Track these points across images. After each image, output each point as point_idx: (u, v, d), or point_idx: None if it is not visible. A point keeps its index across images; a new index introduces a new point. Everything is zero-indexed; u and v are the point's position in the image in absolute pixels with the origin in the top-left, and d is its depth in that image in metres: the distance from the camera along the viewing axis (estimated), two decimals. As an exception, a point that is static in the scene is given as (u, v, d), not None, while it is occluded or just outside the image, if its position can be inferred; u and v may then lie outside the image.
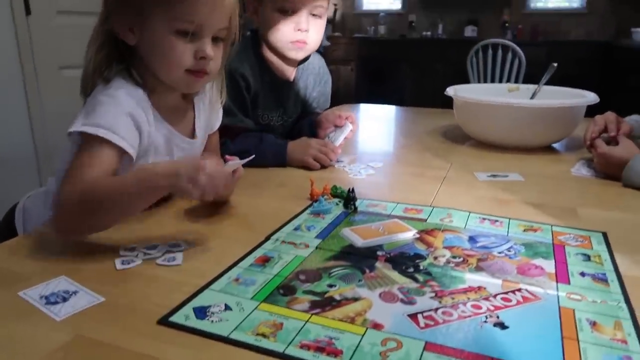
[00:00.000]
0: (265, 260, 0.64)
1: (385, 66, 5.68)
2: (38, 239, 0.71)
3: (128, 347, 0.47)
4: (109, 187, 0.65)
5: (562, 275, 0.61)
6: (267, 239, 0.71)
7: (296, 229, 0.74)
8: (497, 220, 0.78)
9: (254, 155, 0.77)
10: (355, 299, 0.55)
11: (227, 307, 0.53)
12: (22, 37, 2.06)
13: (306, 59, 1.19)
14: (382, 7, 6.11)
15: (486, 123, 1.24)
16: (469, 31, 5.63)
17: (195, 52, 0.73)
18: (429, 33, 5.77)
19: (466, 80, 4.09)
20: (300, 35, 1.07)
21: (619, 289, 0.58)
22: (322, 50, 4.45)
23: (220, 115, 0.92)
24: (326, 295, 0.56)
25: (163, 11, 0.71)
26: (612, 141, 1.04)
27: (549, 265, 0.63)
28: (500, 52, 4.13)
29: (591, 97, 1.22)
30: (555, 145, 1.28)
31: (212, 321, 0.51)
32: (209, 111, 0.88)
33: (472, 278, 0.60)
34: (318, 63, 1.26)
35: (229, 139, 1.06)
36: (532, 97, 1.39)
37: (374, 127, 1.66)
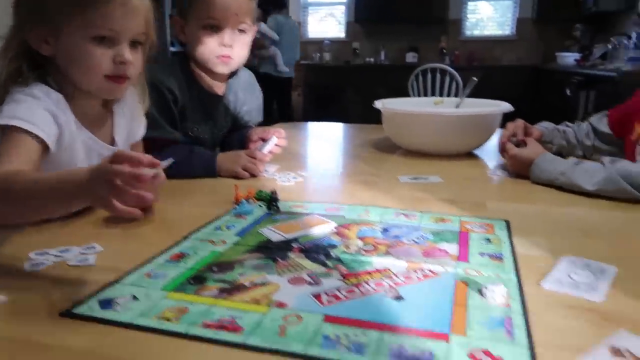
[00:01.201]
0: (180, 257, 0.65)
1: (331, 91, 5.83)
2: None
3: (27, 339, 0.47)
4: (25, 180, 0.61)
5: (463, 256, 0.65)
6: (185, 238, 0.71)
7: (216, 228, 0.76)
8: (411, 215, 0.82)
9: (174, 160, 0.78)
10: (264, 284, 0.57)
11: (134, 298, 0.54)
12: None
13: (235, 73, 1.22)
14: (327, 35, 6.30)
15: (412, 132, 1.30)
16: (410, 57, 5.89)
17: (113, 57, 0.74)
18: (372, 59, 5.99)
19: (408, 103, 4.26)
20: (225, 51, 1.11)
21: (512, 264, 0.63)
22: (287, 76, 4.54)
23: (143, 124, 0.93)
24: (236, 283, 0.57)
25: (77, 20, 0.72)
26: (522, 144, 1.12)
27: (453, 249, 0.67)
28: (438, 75, 4.34)
29: (505, 106, 1.31)
30: (476, 151, 1.36)
31: (117, 310, 0.51)
32: (130, 119, 0.89)
33: (379, 261, 0.63)
34: (247, 78, 1.30)
35: (157, 152, 1.06)
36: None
37: (311, 142, 1.70)
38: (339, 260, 0.63)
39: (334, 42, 6.21)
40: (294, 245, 0.69)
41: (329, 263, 0.63)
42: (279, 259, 0.64)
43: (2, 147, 0.67)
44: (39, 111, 0.71)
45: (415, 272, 0.60)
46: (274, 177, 1.09)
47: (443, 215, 0.81)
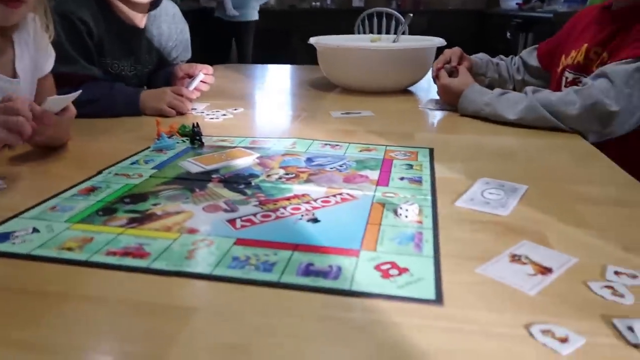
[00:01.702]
0: (90, 190, 0.61)
1: (277, 36, 5.66)
2: None
3: None
4: None
5: (383, 180, 0.65)
6: (99, 173, 0.68)
7: (133, 163, 0.72)
8: (337, 145, 0.81)
9: (79, 91, 0.72)
10: (178, 213, 0.55)
11: (34, 230, 0.50)
12: None
13: (156, 4, 1.14)
14: (270, -23, 6.02)
15: (346, 69, 1.28)
16: (357, 1, 5.77)
17: None
18: (318, 3, 5.83)
19: (353, 47, 4.20)
20: None
21: (429, 186, 0.63)
22: (239, 20, 4.31)
23: (51, 56, 0.85)
24: (147, 212, 0.55)
25: None
26: (455, 72, 1.12)
27: (374, 174, 0.68)
28: (384, 20, 4.29)
29: (438, 41, 1.31)
30: (411, 88, 1.36)
31: (14, 243, 0.48)
32: (35, 51, 0.81)
33: (299, 188, 0.62)
34: (172, 10, 1.22)
35: (73, 88, 0.99)
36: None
37: (248, 83, 1.65)
38: (258, 188, 0.62)
39: (278, -16, 5.97)
40: (214, 176, 0.67)
41: (247, 191, 0.61)
42: (196, 189, 0.62)
43: None
44: None
45: (334, 197, 0.60)
46: (202, 115, 1.05)
47: (369, 145, 0.81)
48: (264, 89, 1.51)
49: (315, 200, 0.58)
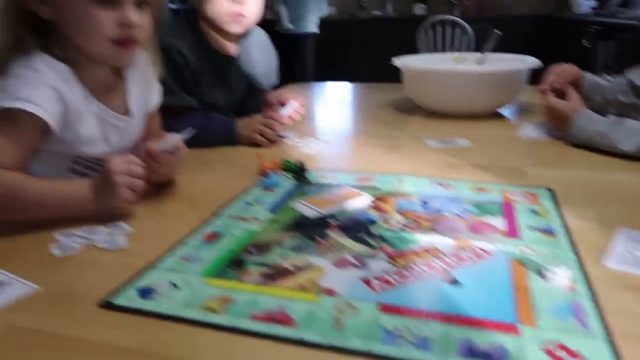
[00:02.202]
0: (214, 237, 0.61)
1: (336, 47, 5.67)
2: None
3: (67, 334, 0.44)
4: (28, 194, 0.62)
5: (511, 231, 0.61)
6: (216, 215, 0.68)
7: (247, 204, 0.72)
8: (448, 184, 0.78)
9: (195, 130, 0.73)
10: (308, 268, 0.54)
11: (173, 285, 0.51)
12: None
13: (247, 32, 1.15)
14: (330, -13, 6.05)
15: (434, 92, 1.24)
16: (418, 9, 5.68)
17: (119, 20, 0.68)
18: (378, 12, 5.79)
19: (417, 57, 4.14)
20: (237, 8, 1.03)
21: (566, 240, 0.59)
22: (294, 32, 4.36)
23: (158, 91, 0.88)
24: (277, 266, 0.54)
25: None
26: (563, 92, 1.06)
27: (499, 222, 0.64)
28: (449, 28, 4.20)
29: (532, 61, 1.25)
30: (502, 111, 1.30)
31: (158, 300, 0.48)
32: (144, 87, 0.83)
33: (425, 239, 0.60)
34: (261, 37, 1.23)
35: (172, 119, 1.01)
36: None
37: (324, 104, 1.64)
38: (382, 238, 0.60)
39: (339, -7, 5.98)
40: (331, 221, 0.65)
41: (372, 242, 0.59)
42: (318, 238, 0.60)
43: (1, 133, 0.63)
44: (42, 89, 0.66)
45: (465, 251, 0.56)
46: (295, 144, 1.05)
47: (481, 184, 0.77)
48: (345, 111, 1.50)
49: (446, 255, 0.56)
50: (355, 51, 5.60)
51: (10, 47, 0.67)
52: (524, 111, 1.31)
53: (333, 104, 1.64)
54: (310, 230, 0.63)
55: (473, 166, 0.88)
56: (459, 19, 4.17)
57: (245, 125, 1.04)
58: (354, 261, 0.55)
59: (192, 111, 1.05)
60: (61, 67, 0.69)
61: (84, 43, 0.69)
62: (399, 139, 1.07)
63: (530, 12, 5.52)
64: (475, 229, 0.62)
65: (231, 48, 1.14)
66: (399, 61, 1.31)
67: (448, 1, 5.67)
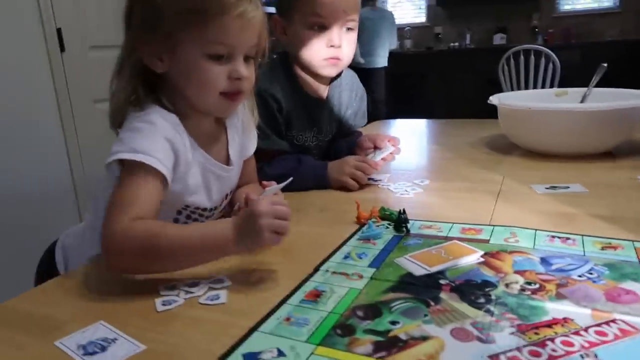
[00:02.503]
0: (316, 295, 0.58)
1: (413, 80, 5.62)
2: (75, 279, 0.68)
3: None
4: (169, 237, 0.60)
5: (660, 301, 0.53)
6: (316, 270, 0.65)
7: (346, 257, 0.68)
8: (568, 238, 0.70)
9: (292, 178, 0.72)
10: (424, 338, 0.48)
11: (280, 353, 0.47)
12: (57, 73, 2.10)
13: (339, 75, 1.14)
14: (406, 20, 6.08)
15: (537, 131, 1.16)
16: (498, 39, 5.53)
17: (229, 73, 0.70)
18: (456, 44, 5.70)
19: (498, 89, 3.99)
20: (333, 52, 1.03)
21: None
22: (366, 67, 4.39)
23: (255, 138, 0.88)
24: (390, 335, 0.49)
25: (193, 37, 0.67)
26: None
27: (642, 289, 0.55)
28: (532, 57, 4.03)
29: (650, 97, 1.13)
30: (613, 150, 1.19)
31: (265, 370, 0.45)
32: (243, 135, 0.84)
33: (555, 308, 0.52)
34: (351, 79, 1.22)
35: (265, 163, 1.01)
36: (582, 101, 1.30)
37: (411, 141, 1.59)
38: (504, 304, 0.54)
39: (415, 27, 5.99)
40: (442, 281, 0.59)
41: (493, 309, 0.53)
42: (430, 302, 0.55)
43: (127, 187, 0.64)
44: (159, 142, 0.67)
45: (607, 326, 0.49)
46: (389, 188, 1.00)
47: (610, 240, 0.69)
48: (436, 150, 1.44)
49: (586, 331, 0.48)
50: (432, 84, 5.52)
51: (126, 99, 0.70)
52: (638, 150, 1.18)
53: (420, 142, 1.59)
54: (420, 291, 0.57)
55: (593, 216, 0.79)
56: (543, 47, 3.99)
57: (337, 168, 1.02)
58: (477, 333, 0.49)
59: (283, 154, 1.05)
60: (172, 117, 0.71)
61: (194, 95, 0.71)
62: (501, 183, 0.99)
63: (621, 37, 5.17)
64: (614, 297, 0.54)
65: (323, 90, 1.14)
66: (496, 99, 1.24)
67: (530, 29, 5.47)
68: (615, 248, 0.66)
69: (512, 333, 0.48)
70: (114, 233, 0.60)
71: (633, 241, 0.68)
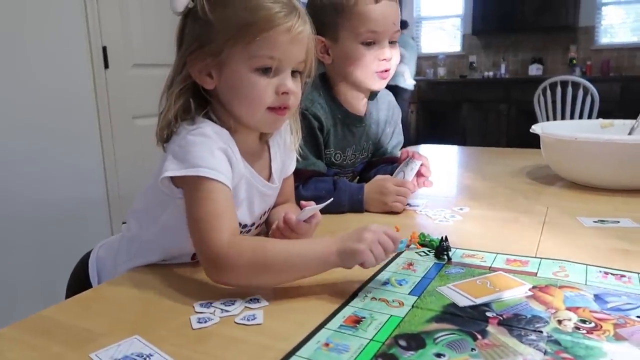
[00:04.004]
0: (356, 321, 0.56)
1: (445, 108, 5.59)
2: (110, 292, 0.67)
3: None
4: (279, 251, 0.63)
5: None
6: (355, 295, 0.63)
7: (385, 283, 0.66)
8: (623, 275, 0.66)
9: (332, 199, 0.71)
10: (473, 374, 0.46)
11: (319, 380, 0.45)
12: (100, 89, 2.16)
13: (376, 93, 1.14)
14: (441, 49, 6.09)
15: (584, 162, 1.11)
16: (534, 69, 5.47)
17: (276, 87, 0.70)
18: (490, 73, 5.66)
19: (534, 120, 3.94)
20: (385, 65, 1.02)
21: None
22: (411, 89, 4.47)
23: (295, 158, 0.87)
24: (436, 368, 0.47)
25: (242, 51, 0.68)
26: None
27: None
28: (569, 89, 3.96)
29: None
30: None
31: (305, 398, 0.43)
32: (284, 151, 0.83)
33: (615, 350, 0.49)
34: (387, 97, 1.21)
35: (300, 184, 1.00)
36: (630, 133, 1.25)
37: (446, 168, 1.56)
38: (557, 343, 0.50)
39: (449, 56, 5.98)
40: (489, 314, 0.56)
41: (545, 347, 0.50)
42: (477, 335, 0.52)
43: (205, 203, 0.64)
44: (217, 154, 0.67)
45: (675, 373, 0.45)
46: (427, 214, 0.98)
47: (669, 279, 0.64)
48: (475, 178, 1.40)
49: (651, 376, 0.44)
50: (465, 112, 5.47)
51: (175, 115, 0.70)
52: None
53: (457, 170, 1.56)
54: (466, 323, 0.55)
55: (647, 253, 0.74)
56: (581, 79, 3.91)
57: (375, 190, 1.00)
58: (530, 372, 0.46)
59: (318, 175, 1.04)
60: (224, 132, 0.72)
61: (242, 110, 0.71)
62: (546, 214, 0.96)
63: (664, 71, 5.04)
64: (680, 342, 0.50)
65: (363, 107, 1.13)
66: (539, 128, 1.21)
67: (568, 61, 5.39)
68: (675, 288, 0.62)
69: (569, 374, 0.45)
70: (220, 249, 0.62)
71: (695, 282, 0.63)
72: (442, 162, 1.69)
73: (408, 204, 1.02)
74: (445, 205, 1.03)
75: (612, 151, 1.05)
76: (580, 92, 3.88)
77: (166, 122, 0.70)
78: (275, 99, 0.70)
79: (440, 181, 1.28)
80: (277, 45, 0.68)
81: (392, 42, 1.03)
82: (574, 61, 5.33)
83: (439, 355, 0.49)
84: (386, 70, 1.03)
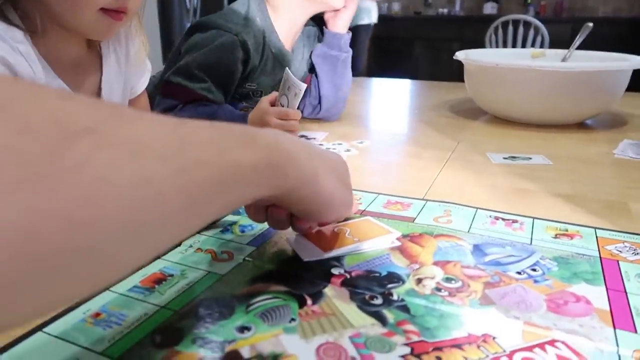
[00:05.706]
0: (156, 281, 0.42)
1: (399, 45, 5.40)
2: None
3: None
4: None
5: (621, 315, 0.38)
6: (178, 245, 0.49)
7: (225, 230, 0.52)
8: (515, 221, 0.55)
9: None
10: (275, 358, 0.33)
11: (52, 371, 0.31)
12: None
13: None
14: (396, -18, 5.79)
15: (505, 93, 0.99)
16: (489, 8, 5.31)
17: None
18: (445, 10, 5.46)
19: (484, 59, 3.84)
20: None
21: None
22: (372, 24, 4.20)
23: (147, 73, 0.70)
24: (228, 349, 0.34)
25: None
26: None
27: (598, 296, 0.40)
28: (521, 29, 3.86)
29: (636, 61, 0.97)
30: (589, 122, 1.03)
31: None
32: (127, 67, 0.66)
33: (474, 318, 0.37)
34: (307, 30, 1.04)
35: (180, 103, 0.85)
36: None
37: (372, 103, 1.42)
38: (404, 310, 0.38)
39: (404, -10, 5.71)
40: (335, 271, 0.44)
41: (388, 316, 0.37)
42: (307, 299, 0.39)
43: None
44: None
45: (542, 351, 0.34)
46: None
47: (567, 225, 0.53)
48: (390, 111, 1.27)
49: (509, 357, 0.33)
50: (419, 50, 5.30)
51: None
52: (620, 123, 1.03)
53: (380, 103, 1.42)
54: (300, 283, 0.42)
55: (552, 195, 0.63)
56: (533, 19, 3.82)
57: (257, 120, 0.84)
58: (353, 353, 0.33)
59: (204, 100, 0.87)
60: (16, 35, 0.53)
61: (64, 8, 0.54)
62: (453, 150, 0.84)
63: (615, 14, 5.01)
64: (558, 306, 0.39)
65: (289, 44, 0.98)
66: (462, 54, 1.07)
67: (523, 0, 5.25)
68: (571, 237, 0.51)
69: (403, 355, 0.33)
70: None
71: (596, 228, 0.53)
72: (365, 94, 1.54)
73: (304, 136, 0.88)
74: (345, 138, 0.89)
75: (535, 79, 0.92)
76: (532, 32, 3.79)
77: None
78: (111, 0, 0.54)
79: (349, 113, 1.13)
80: None
81: None
82: (529, 1, 5.20)
83: (242, 329, 0.36)
84: None
